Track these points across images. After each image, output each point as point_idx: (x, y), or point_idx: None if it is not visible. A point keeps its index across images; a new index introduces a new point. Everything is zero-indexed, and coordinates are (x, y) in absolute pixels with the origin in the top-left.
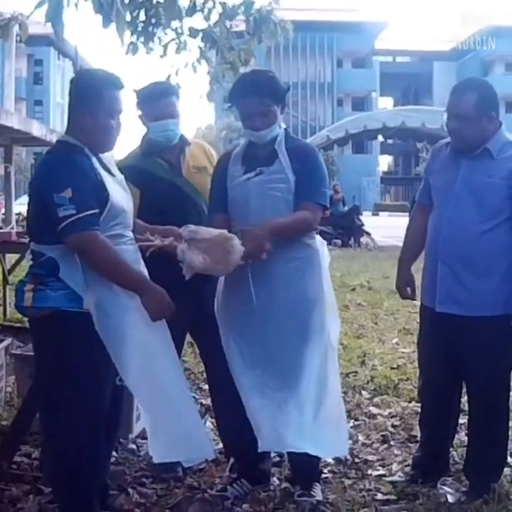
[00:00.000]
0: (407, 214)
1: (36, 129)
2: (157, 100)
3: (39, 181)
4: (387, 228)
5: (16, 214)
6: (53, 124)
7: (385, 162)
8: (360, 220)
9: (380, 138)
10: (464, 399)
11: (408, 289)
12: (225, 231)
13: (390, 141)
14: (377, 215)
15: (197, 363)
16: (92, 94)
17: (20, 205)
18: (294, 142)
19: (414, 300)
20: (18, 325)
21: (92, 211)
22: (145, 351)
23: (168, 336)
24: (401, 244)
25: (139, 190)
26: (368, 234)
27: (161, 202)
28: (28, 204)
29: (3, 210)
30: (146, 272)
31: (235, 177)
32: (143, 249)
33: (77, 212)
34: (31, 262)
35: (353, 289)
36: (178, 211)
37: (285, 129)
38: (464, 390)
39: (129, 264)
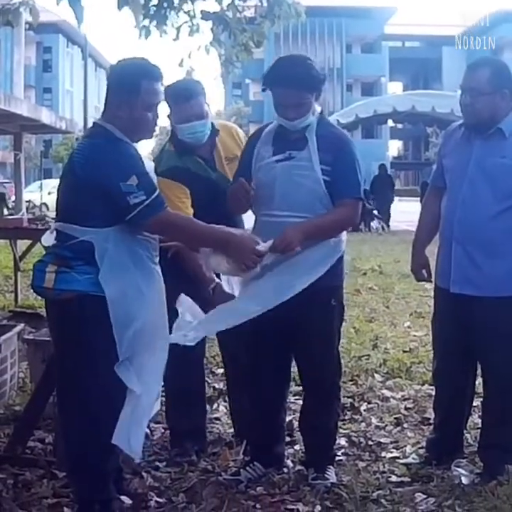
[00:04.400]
0: (418, 198)
1: (45, 117)
2: (184, 103)
3: (94, 168)
4: (398, 213)
5: (26, 201)
6: (62, 112)
7: (394, 147)
8: (371, 204)
9: (390, 122)
10: (478, 381)
11: (423, 271)
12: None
13: (399, 125)
14: None
15: (209, 347)
16: (129, 85)
17: (30, 193)
18: (326, 129)
19: (430, 282)
20: (29, 311)
21: (157, 191)
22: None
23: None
24: (412, 228)
25: (187, 189)
26: (379, 218)
27: (199, 198)
28: (61, 186)
29: (13, 198)
30: (159, 270)
31: (264, 157)
32: (165, 249)
33: (147, 198)
34: (55, 243)
35: (365, 273)
36: (215, 206)
37: (321, 113)
38: (478, 371)
39: (206, 224)
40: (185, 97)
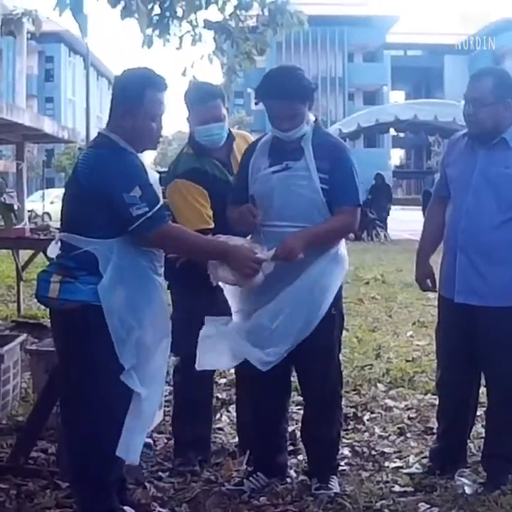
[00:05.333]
0: (420, 207)
1: (48, 126)
2: (202, 104)
3: (99, 178)
4: (400, 222)
5: (29, 211)
6: (64, 121)
7: (396, 156)
8: (373, 213)
9: (392, 131)
10: (481, 390)
11: (428, 281)
12: (246, 242)
13: (401, 134)
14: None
15: None
16: (132, 95)
17: (32, 202)
18: (322, 138)
19: (435, 292)
20: (32, 321)
21: (160, 203)
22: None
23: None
24: (414, 237)
25: (206, 192)
26: (381, 227)
27: (216, 201)
28: (65, 196)
29: (15, 207)
30: (162, 281)
31: (261, 169)
32: (172, 260)
33: (149, 210)
34: (59, 253)
35: (367, 283)
36: None
37: (315, 121)
38: (482, 381)
39: (206, 238)
40: (204, 99)
